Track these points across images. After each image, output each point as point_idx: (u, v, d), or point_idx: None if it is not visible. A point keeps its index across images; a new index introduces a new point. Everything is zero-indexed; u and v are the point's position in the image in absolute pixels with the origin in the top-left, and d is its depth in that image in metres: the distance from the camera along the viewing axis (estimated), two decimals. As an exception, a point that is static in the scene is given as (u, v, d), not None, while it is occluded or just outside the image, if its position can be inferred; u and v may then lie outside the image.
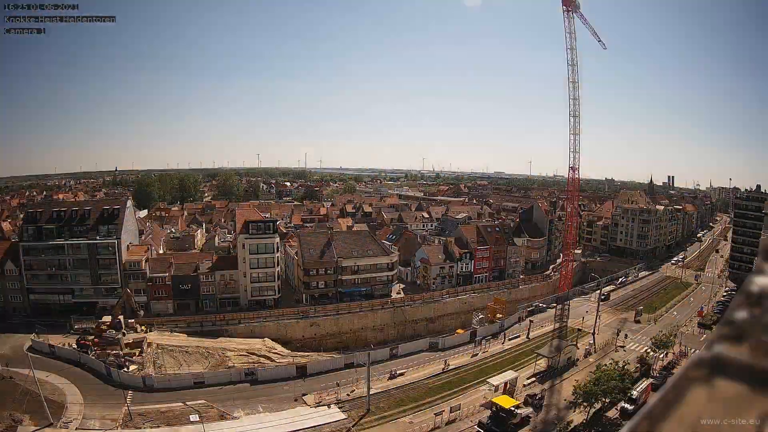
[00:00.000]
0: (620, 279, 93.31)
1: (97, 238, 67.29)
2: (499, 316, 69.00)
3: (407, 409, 44.42)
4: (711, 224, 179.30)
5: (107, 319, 58.09)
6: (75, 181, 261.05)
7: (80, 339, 55.66)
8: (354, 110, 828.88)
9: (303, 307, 70.21)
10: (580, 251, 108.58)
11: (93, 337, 55.24)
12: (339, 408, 44.44)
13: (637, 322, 69.15)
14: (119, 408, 41.94)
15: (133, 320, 60.39)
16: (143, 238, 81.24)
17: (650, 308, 74.39)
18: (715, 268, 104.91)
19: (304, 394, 47.14)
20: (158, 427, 40.40)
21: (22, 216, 78.50)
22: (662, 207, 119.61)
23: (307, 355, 57.69)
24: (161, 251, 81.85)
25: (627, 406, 43.26)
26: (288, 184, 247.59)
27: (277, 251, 73.22)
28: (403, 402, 45.78)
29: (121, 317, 58.39)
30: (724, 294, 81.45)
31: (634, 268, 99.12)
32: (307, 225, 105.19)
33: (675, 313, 73.27)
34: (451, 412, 42.42)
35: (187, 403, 43.18)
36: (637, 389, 44.75)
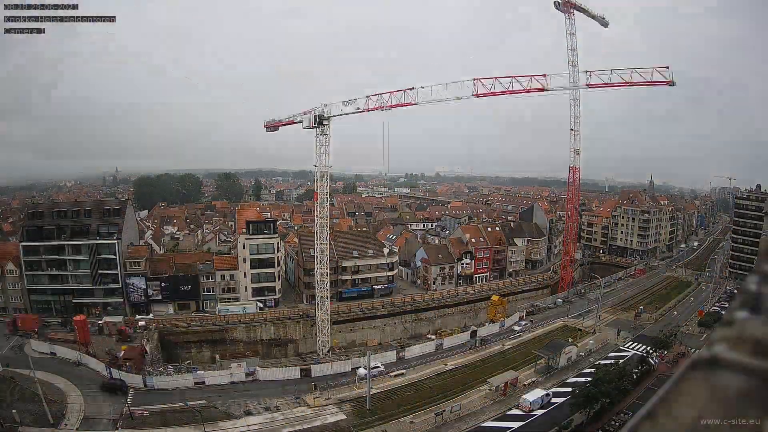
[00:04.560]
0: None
1: (98, 238, 67.33)
2: (499, 316, 69.02)
3: (408, 409, 44.38)
4: (711, 224, 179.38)
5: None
6: (75, 182, 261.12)
7: None
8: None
9: (303, 306, 70.30)
10: (580, 251, 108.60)
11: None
12: (339, 408, 44.44)
13: (638, 321, 69.04)
14: (120, 408, 41.96)
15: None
16: (144, 238, 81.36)
17: (650, 308, 74.33)
18: (715, 268, 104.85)
19: (304, 395, 47.13)
20: (159, 427, 40.40)
21: (22, 216, 78.50)
22: (662, 206, 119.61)
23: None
24: (162, 251, 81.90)
25: None
26: (288, 184, 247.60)
27: (278, 251, 73.25)
28: (404, 402, 45.75)
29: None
30: (725, 294, 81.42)
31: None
32: (307, 225, 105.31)
33: (675, 312, 73.25)
34: (451, 412, 42.42)
35: (188, 403, 43.16)
36: None
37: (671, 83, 47.66)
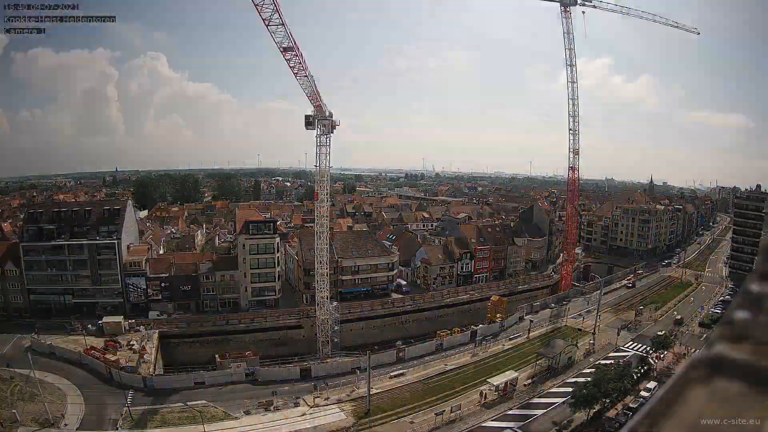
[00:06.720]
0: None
1: (98, 238, 67.29)
2: (499, 316, 68.93)
3: (408, 409, 44.41)
4: (711, 224, 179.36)
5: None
6: (75, 182, 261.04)
7: None
8: (354, 111, 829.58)
9: (303, 306, 70.28)
10: (580, 251, 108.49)
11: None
12: (339, 408, 44.46)
13: (638, 321, 69.04)
14: (120, 408, 41.96)
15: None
16: (144, 238, 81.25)
17: (650, 308, 74.32)
18: (715, 268, 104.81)
19: (304, 395, 47.15)
20: (159, 427, 40.41)
21: (22, 216, 78.51)
22: (662, 207, 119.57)
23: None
24: (162, 251, 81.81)
25: None
26: (288, 184, 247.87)
27: (278, 251, 73.24)
28: (404, 402, 45.76)
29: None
30: (724, 293, 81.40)
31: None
32: (308, 225, 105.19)
33: (675, 312, 73.22)
34: (451, 412, 42.45)
35: (188, 403, 43.21)
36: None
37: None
